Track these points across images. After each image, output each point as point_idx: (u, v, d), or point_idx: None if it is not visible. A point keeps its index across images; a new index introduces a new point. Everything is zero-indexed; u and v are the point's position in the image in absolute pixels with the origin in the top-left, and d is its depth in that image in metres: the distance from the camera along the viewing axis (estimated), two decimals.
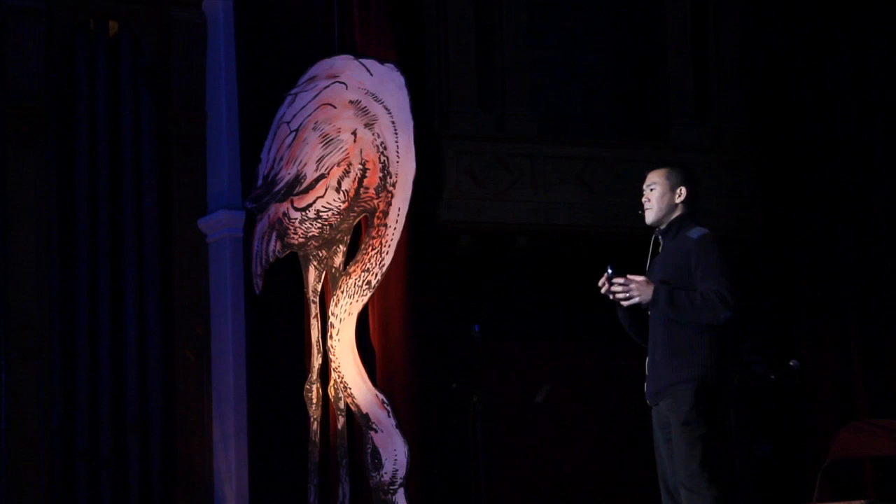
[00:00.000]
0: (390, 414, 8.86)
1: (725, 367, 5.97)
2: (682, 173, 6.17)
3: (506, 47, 10.19)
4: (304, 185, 9.30)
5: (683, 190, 6.13)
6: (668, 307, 5.96)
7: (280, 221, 9.44)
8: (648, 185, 6.19)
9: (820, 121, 10.63)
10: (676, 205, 6.14)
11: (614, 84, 10.73)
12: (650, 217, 6.18)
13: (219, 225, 10.00)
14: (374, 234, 8.97)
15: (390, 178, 8.96)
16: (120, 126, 10.02)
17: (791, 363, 7.41)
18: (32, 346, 9.61)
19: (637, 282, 5.98)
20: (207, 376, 9.93)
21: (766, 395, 9.93)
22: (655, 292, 5.97)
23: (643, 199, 6.19)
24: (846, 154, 10.55)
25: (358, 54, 9.34)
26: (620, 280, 6.00)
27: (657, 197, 6.15)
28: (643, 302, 6.00)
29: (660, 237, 6.20)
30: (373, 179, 9.05)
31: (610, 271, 6.02)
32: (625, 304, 6.05)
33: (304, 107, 9.38)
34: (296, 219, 9.37)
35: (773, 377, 7.41)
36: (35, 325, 9.64)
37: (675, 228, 6.12)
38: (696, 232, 6.05)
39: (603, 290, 6.07)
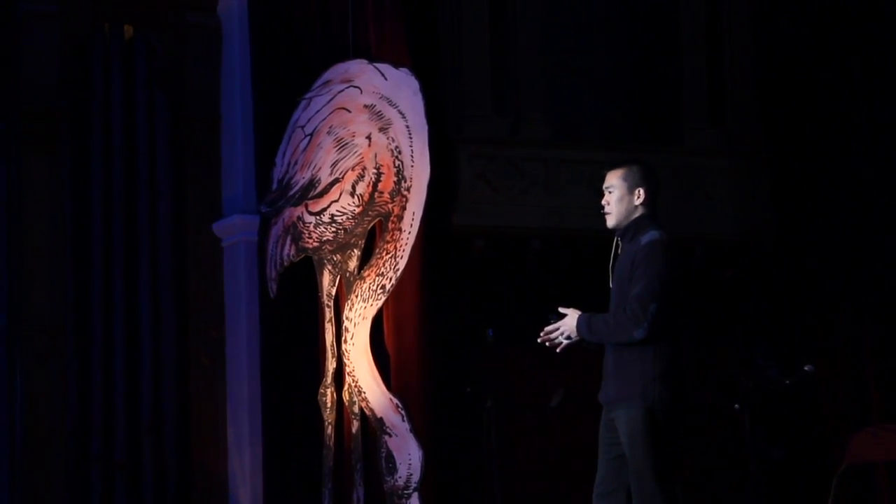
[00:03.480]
0: (405, 418, 8.86)
1: (676, 379, 5.82)
2: (639, 172, 6.01)
3: (520, 52, 10.19)
4: (319, 189, 9.30)
5: (642, 191, 5.98)
6: (589, 335, 5.91)
7: (295, 225, 9.45)
8: (606, 188, 6.04)
9: (834, 125, 10.60)
10: (636, 206, 5.99)
11: (628, 88, 10.71)
12: (610, 222, 6.04)
13: (233, 229, 10.00)
14: (388, 238, 8.97)
15: (405, 182, 8.96)
16: (135, 130, 10.02)
17: (806, 368, 7.39)
18: (47, 350, 9.62)
19: (565, 321, 5.95)
20: (222, 380, 9.93)
21: (780, 400, 9.92)
22: (578, 323, 5.92)
23: (602, 202, 6.06)
24: (860, 158, 10.53)
25: (372, 58, 9.34)
26: (552, 327, 5.99)
27: (615, 200, 6.00)
28: (574, 337, 5.95)
29: (619, 240, 6.06)
30: (387, 184, 9.05)
31: (552, 319, 6.01)
32: (566, 343, 5.99)
33: (318, 111, 9.38)
34: (310, 223, 9.37)
35: (787, 382, 7.39)
36: (50, 328, 9.65)
37: (632, 231, 5.97)
38: (647, 236, 5.90)
39: (548, 344, 6.02)
